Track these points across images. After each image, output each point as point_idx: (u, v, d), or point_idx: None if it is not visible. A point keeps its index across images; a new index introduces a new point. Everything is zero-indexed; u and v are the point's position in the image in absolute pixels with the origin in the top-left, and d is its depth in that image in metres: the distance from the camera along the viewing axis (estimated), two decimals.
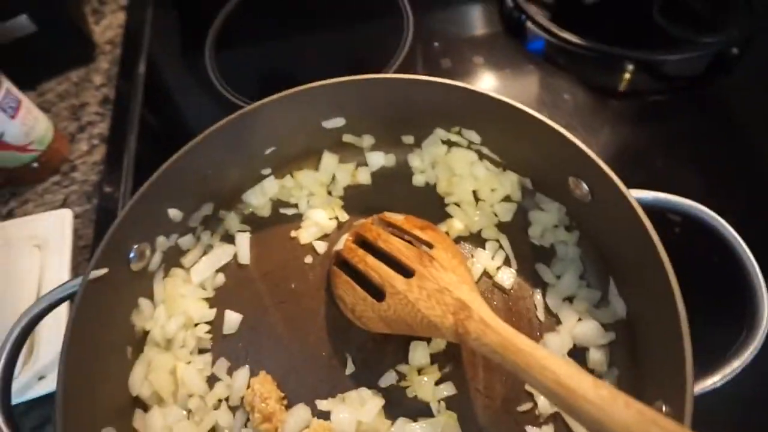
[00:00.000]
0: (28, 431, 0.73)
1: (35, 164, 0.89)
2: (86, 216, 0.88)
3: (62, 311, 0.75)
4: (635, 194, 0.60)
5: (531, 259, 0.73)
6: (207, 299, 0.74)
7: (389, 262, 0.65)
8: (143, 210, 0.67)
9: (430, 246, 0.66)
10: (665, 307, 0.55)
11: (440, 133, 0.78)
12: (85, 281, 0.61)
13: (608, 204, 0.63)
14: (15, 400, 0.69)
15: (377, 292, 0.64)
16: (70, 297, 0.63)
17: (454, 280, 0.61)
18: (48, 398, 0.72)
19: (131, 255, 0.68)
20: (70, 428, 0.55)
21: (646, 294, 0.61)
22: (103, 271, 0.63)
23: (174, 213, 0.71)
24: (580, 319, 0.67)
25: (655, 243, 0.56)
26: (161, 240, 0.71)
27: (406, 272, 0.63)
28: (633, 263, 0.63)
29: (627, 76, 0.95)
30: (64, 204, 0.89)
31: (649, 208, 0.59)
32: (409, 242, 0.67)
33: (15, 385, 0.62)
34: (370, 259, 0.66)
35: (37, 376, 0.72)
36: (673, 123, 0.89)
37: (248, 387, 0.67)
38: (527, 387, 0.65)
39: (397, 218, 0.71)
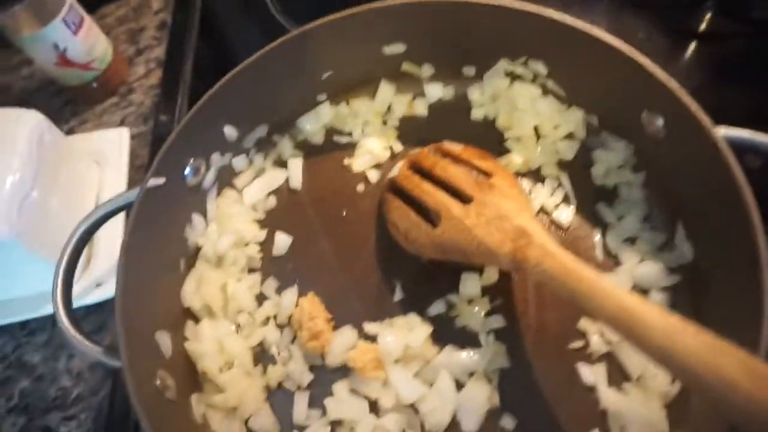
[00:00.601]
0: (91, 325, 0.76)
1: (95, 84, 0.90)
2: (142, 137, 0.89)
3: (119, 222, 0.77)
4: (721, 132, 0.56)
5: (592, 198, 0.70)
6: (258, 221, 0.75)
7: (446, 189, 0.64)
8: (200, 124, 0.67)
9: (488, 175, 0.63)
10: (743, 254, 0.51)
11: (504, 64, 0.75)
12: (143, 189, 0.62)
13: (685, 141, 0.60)
14: (74, 304, 0.71)
15: (431, 219, 0.63)
16: (127, 206, 0.64)
17: (514, 208, 0.59)
18: (105, 304, 0.75)
19: (187, 169, 0.68)
20: (128, 328, 0.56)
21: (721, 239, 0.57)
22: (161, 180, 0.63)
23: (229, 131, 0.71)
24: (641, 261, 0.64)
25: (739, 184, 0.53)
26: (216, 157, 0.72)
27: (463, 200, 0.62)
28: (708, 205, 0.59)
29: (708, 16, 0.88)
30: (121, 125, 0.91)
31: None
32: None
33: (74, 291, 0.63)
34: (426, 185, 0.65)
35: (95, 283, 0.74)
36: (755, 68, 0.82)
37: (296, 306, 0.67)
38: (579, 326, 0.64)
39: (455, 147, 0.69)
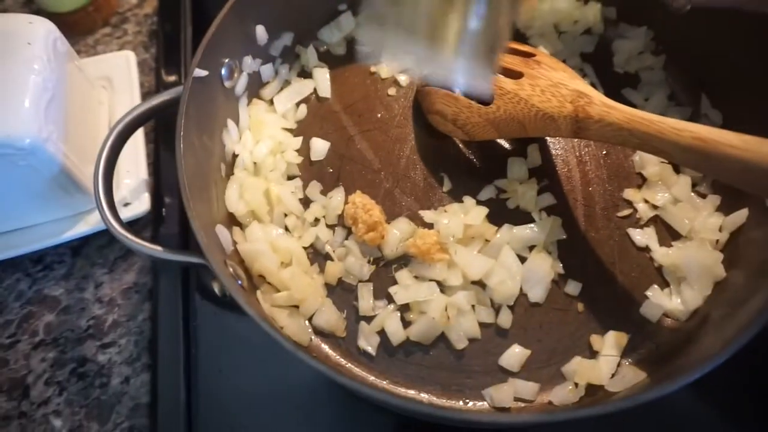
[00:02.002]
0: (116, 255, 0.71)
1: (91, 8, 0.84)
2: (145, 64, 0.85)
3: (139, 142, 0.73)
4: None
5: (617, 85, 0.73)
6: (290, 130, 0.73)
7: None
8: (234, 21, 0.65)
9: (530, 56, 0.65)
10: None
11: None
12: (189, 79, 0.59)
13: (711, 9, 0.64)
14: (104, 227, 0.67)
15: (480, 102, 0.64)
16: (170, 103, 0.61)
17: (566, 76, 0.61)
18: (133, 224, 0.70)
19: (223, 70, 0.66)
20: (196, 212, 0.53)
21: (749, 99, 0.62)
22: (205, 72, 0.61)
23: (260, 31, 0.69)
24: None
25: None
26: (248, 60, 0.69)
27: (512, 78, 0.63)
28: (735, 70, 0.64)
29: None
30: None
31: None
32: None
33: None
34: None
35: (123, 202, 0.69)
36: None
37: (346, 204, 0.66)
38: (625, 195, 0.67)
39: None
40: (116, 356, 0.66)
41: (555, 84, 0.60)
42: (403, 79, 0.76)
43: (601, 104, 0.56)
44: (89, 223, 0.69)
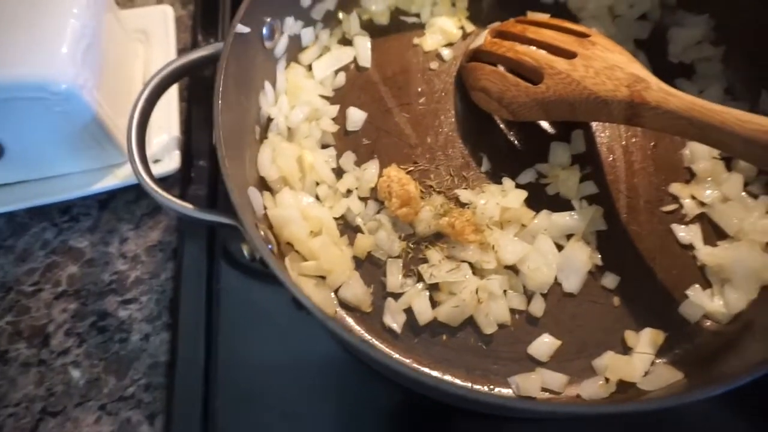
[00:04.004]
0: (143, 211, 0.70)
1: None
2: (180, 21, 0.83)
3: (172, 99, 0.72)
4: None
5: (670, 75, 0.69)
6: (327, 97, 0.71)
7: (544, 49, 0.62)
8: None
9: (585, 36, 0.62)
10: None
11: None
12: (231, 34, 0.57)
13: None
14: (133, 181, 0.66)
15: (527, 81, 0.61)
16: (208, 59, 0.59)
17: (623, 59, 0.58)
18: (163, 180, 0.69)
19: (265, 29, 0.64)
20: (231, 171, 0.52)
21: None
22: (247, 29, 0.59)
23: None
24: None
25: None
26: (290, 22, 0.67)
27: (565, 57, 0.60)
28: None
29: None
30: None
31: None
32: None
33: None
34: (521, 47, 0.63)
35: (153, 159, 0.68)
36: None
37: (380, 177, 0.64)
38: (671, 189, 0.64)
39: (541, 16, 0.68)
40: (137, 313, 0.65)
41: (611, 66, 0.57)
42: (446, 53, 0.73)
43: (659, 90, 0.54)
44: (118, 177, 0.68)
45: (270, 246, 0.55)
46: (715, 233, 0.62)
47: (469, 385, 0.55)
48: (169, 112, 0.71)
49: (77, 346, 0.64)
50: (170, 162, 0.69)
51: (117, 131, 0.64)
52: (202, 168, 0.72)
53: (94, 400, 0.61)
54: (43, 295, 0.67)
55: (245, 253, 0.54)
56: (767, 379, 0.44)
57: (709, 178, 0.63)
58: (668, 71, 0.70)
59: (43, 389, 0.62)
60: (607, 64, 0.57)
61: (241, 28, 0.58)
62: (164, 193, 0.54)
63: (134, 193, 0.71)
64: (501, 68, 0.64)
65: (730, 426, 0.59)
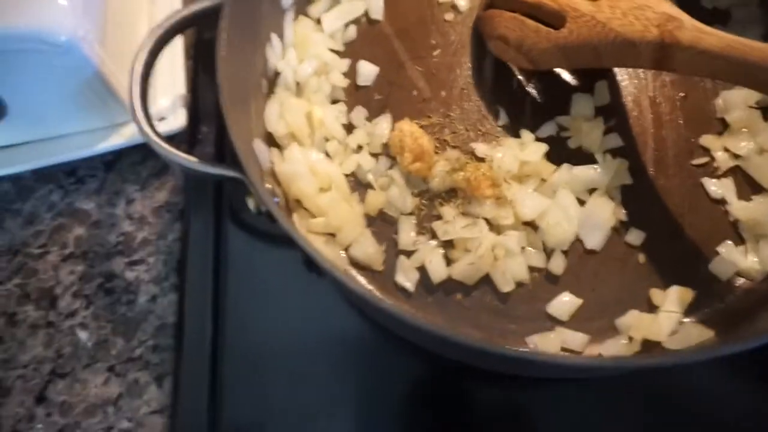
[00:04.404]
0: (149, 172, 0.69)
1: None
2: None
3: (175, 55, 0.69)
4: None
5: (703, 22, 0.65)
6: (338, 52, 0.68)
7: None
8: None
9: None
10: None
11: None
12: None
13: None
14: (138, 140, 0.64)
15: (548, 26, 0.58)
16: (213, 10, 0.56)
17: None
18: (169, 139, 0.67)
19: None
20: (234, 121, 0.49)
21: None
22: None
23: None
24: None
25: None
26: None
27: None
28: None
29: None
30: None
31: None
32: None
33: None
34: None
35: (158, 117, 0.66)
36: None
37: (392, 132, 0.61)
38: (702, 142, 0.60)
39: None
40: (144, 274, 0.64)
41: (639, 6, 0.53)
42: (462, 3, 0.69)
43: (693, 29, 0.49)
44: (124, 136, 0.66)
45: (277, 199, 0.52)
46: (749, 187, 0.58)
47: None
48: (174, 69, 0.68)
49: (85, 308, 0.63)
50: (176, 120, 0.66)
51: (120, 87, 0.62)
52: (209, 127, 0.70)
53: (102, 361, 0.60)
54: (50, 257, 0.66)
55: (250, 206, 0.52)
56: None
57: (744, 129, 0.59)
58: (702, 18, 0.64)
59: (52, 351, 0.61)
60: (635, 4, 0.53)
61: None
62: (167, 146, 0.52)
63: (140, 153, 0.69)
64: (518, 15, 0.60)
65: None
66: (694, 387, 0.55)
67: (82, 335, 0.62)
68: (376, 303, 0.42)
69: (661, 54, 0.51)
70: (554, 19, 0.57)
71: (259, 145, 0.55)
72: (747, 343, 0.42)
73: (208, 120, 0.71)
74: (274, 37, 0.63)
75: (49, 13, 0.54)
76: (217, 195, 0.66)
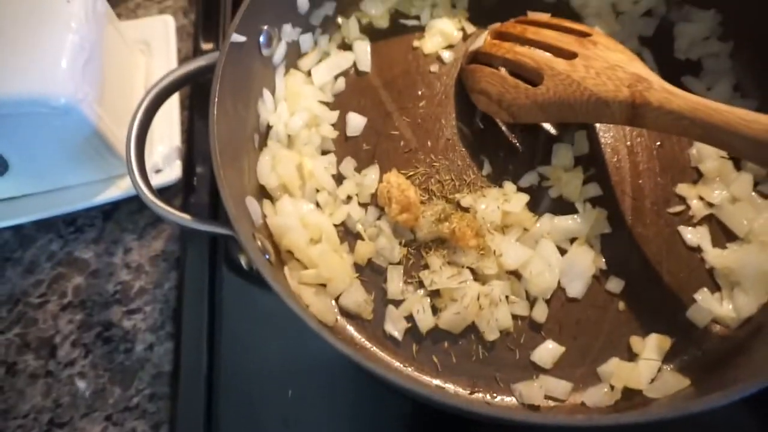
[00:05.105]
0: (146, 221, 0.71)
1: None
2: (183, 30, 0.83)
3: (173, 108, 0.72)
4: None
5: (677, 72, 0.68)
6: (327, 103, 0.70)
7: (544, 50, 0.61)
8: None
9: (585, 35, 0.61)
10: None
11: None
12: (227, 43, 0.57)
13: None
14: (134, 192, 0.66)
15: (529, 81, 0.60)
16: (206, 69, 0.59)
17: (624, 58, 0.56)
18: (164, 191, 0.70)
19: (262, 37, 0.64)
20: (227, 180, 0.52)
21: None
22: (243, 38, 0.59)
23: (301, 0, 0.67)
24: None
25: None
26: (287, 29, 0.67)
27: (565, 58, 0.59)
28: None
29: None
30: None
31: None
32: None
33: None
34: (520, 48, 0.62)
35: (154, 169, 0.69)
36: None
37: (380, 183, 0.64)
38: (678, 190, 0.62)
39: (542, 16, 0.66)
40: (141, 323, 0.66)
41: (612, 66, 0.56)
42: (446, 55, 0.72)
43: (661, 90, 0.52)
44: (121, 188, 0.68)
45: (267, 256, 0.54)
46: (723, 235, 0.60)
47: (468, 392, 0.55)
48: (170, 121, 0.71)
49: (83, 357, 0.65)
50: (171, 172, 0.69)
51: (118, 142, 0.65)
52: (205, 177, 0.72)
53: (99, 410, 0.62)
54: (49, 306, 0.67)
55: (242, 263, 0.54)
56: None
57: (717, 178, 0.62)
58: (675, 68, 0.69)
59: (50, 401, 0.63)
60: (608, 64, 0.56)
61: (237, 38, 0.58)
62: (163, 205, 0.54)
63: (137, 203, 0.72)
64: (502, 70, 0.63)
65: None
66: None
67: (81, 384, 0.63)
68: (359, 362, 0.44)
69: (632, 113, 0.54)
70: (533, 76, 0.60)
71: (251, 202, 0.57)
72: (722, 398, 0.43)
73: (204, 167, 0.73)
74: (266, 92, 0.66)
75: (49, 77, 0.57)
76: (212, 243, 0.68)
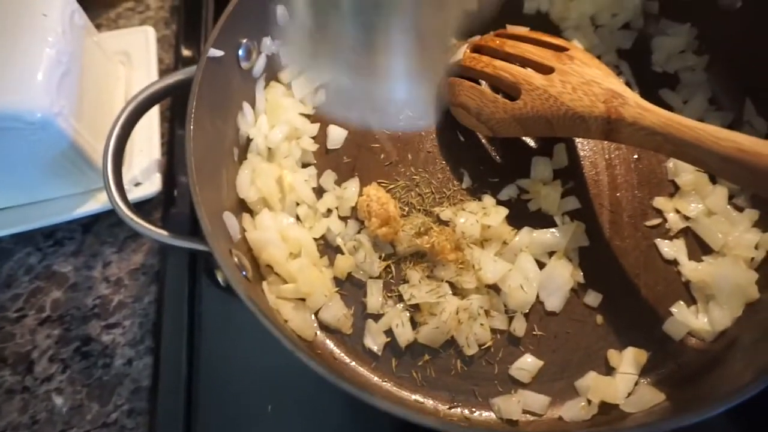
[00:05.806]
0: (126, 234, 0.70)
1: None
2: (165, 41, 0.83)
3: (153, 121, 0.72)
4: None
5: (654, 85, 0.69)
6: (308, 116, 0.70)
7: (521, 64, 0.61)
8: (253, 1, 0.62)
9: (563, 49, 0.61)
10: None
11: None
12: (204, 59, 0.57)
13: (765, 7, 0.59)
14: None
15: (507, 96, 0.61)
16: (186, 83, 0.59)
17: (600, 74, 0.57)
18: (145, 203, 0.69)
19: (241, 50, 0.63)
20: (203, 197, 0.51)
21: None
22: (220, 52, 0.59)
23: (281, 12, 0.66)
24: None
25: None
26: (267, 42, 0.67)
27: (542, 72, 0.59)
28: None
29: None
30: None
31: None
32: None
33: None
34: (498, 62, 0.62)
35: (133, 182, 0.68)
36: None
37: (360, 196, 0.64)
38: (655, 204, 0.63)
39: (520, 30, 0.67)
40: (120, 337, 0.65)
41: (588, 82, 0.56)
42: None
43: (635, 106, 0.53)
44: (100, 201, 0.68)
45: (244, 272, 0.54)
46: (699, 248, 0.61)
47: (447, 406, 0.55)
48: (150, 133, 0.71)
49: (61, 372, 0.64)
50: (151, 185, 0.69)
51: (96, 156, 0.64)
52: (185, 189, 0.71)
53: (77, 427, 0.61)
54: (27, 321, 0.67)
55: (219, 279, 0.54)
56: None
57: (693, 192, 0.62)
58: (652, 81, 0.70)
59: (27, 417, 0.62)
60: (584, 80, 0.56)
61: (214, 52, 0.58)
62: (139, 220, 0.54)
63: (117, 216, 0.70)
64: (483, 84, 0.63)
65: None
66: None
67: (58, 401, 0.63)
68: (333, 381, 0.44)
69: (607, 128, 0.54)
70: (511, 90, 0.60)
71: (229, 218, 0.57)
72: (700, 413, 0.44)
73: (184, 180, 0.72)
74: (246, 105, 0.66)
75: (25, 92, 0.57)
76: (191, 257, 0.67)
